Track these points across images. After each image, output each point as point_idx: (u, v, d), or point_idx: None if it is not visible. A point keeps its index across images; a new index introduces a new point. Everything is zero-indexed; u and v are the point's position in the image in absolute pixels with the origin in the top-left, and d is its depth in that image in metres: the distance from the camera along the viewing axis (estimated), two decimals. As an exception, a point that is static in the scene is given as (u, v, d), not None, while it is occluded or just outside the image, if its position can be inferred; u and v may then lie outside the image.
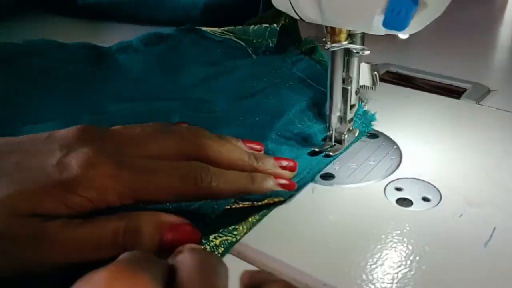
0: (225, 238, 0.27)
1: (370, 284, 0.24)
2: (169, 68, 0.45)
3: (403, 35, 0.28)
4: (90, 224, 0.25)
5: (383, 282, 0.24)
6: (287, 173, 0.31)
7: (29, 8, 0.69)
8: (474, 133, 0.37)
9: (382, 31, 0.27)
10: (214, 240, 0.27)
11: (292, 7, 0.30)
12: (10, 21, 0.64)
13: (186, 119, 0.35)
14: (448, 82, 0.45)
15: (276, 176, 0.30)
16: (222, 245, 0.27)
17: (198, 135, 0.30)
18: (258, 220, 0.29)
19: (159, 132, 0.29)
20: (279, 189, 0.30)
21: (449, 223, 0.28)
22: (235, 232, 0.27)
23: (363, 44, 0.32)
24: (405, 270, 0.25)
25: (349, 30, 0.31)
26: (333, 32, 0.31)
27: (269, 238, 0.28)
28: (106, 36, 0.56)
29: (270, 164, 0.31)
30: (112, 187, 0.26)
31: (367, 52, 0.31)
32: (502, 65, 0.51)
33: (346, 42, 0.31)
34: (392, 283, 0.24)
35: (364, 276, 0.25)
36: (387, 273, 0.25)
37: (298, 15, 0.30)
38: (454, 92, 0.43)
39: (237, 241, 0.27)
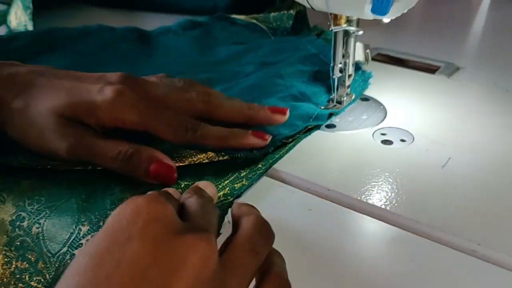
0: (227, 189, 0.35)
1: (365, 189, 0.35)
2: (204, 47, 0.56)
3: (386, 20, 0.39)
4: (109, 141, 0.35)
5: (372, 190, 0.35)
6: (279, 117, 0.39)
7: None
8: (444, 98, 0.48)
9: (371, 16, 0.38)
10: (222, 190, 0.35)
11: (305, -2, 0.41)
12: (50, 11, 0.74)
13: (220, 88, 0.46)
14: (426, 61, 0.56)
15: (270, 120, 0.39)
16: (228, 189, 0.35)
17: (209, 95, 0.39)
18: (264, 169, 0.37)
19: (183, 89, 0.39)
20: (254, 143, 0.37)
21: (418, 155, 0.39)
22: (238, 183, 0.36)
23: (358, 27, 0.43)
24: (388, 184, 0.36)
25: (347, 16, 0.42)
26: (335, 18, 0.41)
27: (292, 162, 0.38)
28: (139, 25, 0.67)
29: (263, 111, 0.39)
30: (129, 114, 0.35)
31: (360, 33, 0.42)
32: (469, 49, 0.62)
33: (345, 25, 0.42)
34: (376, 188, 0.35)
35: (361, 186, 0.36)
36: (375, 185, 0.36)
37: (309, 4, 0.41)
38: (430, 69, 0.55)
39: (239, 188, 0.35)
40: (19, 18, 0.62)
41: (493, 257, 0.30)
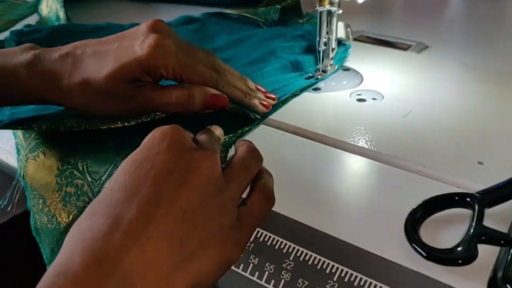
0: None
1: (341, 131, 0.45)
2: (201, 39, 0.66)
3: (360, 1, 0.49)
4: (165, 89, 0.41)
5: (346, 132, 0.45)
6: (270, 100, 0.48)
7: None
8: (411, 69, 0.58)
9: (348, -3, 0.48)
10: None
11: (296, -16, 0.51)
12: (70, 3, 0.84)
13: None
14: (400, 41, 0.66)
15: (261, 100, 0.47)
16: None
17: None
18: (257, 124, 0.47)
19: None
20: (261, 106, 0.46)
21: (385, 109, 0.49)
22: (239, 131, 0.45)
23: (339, 7, 0.52)
24: (359, 128, 0.46)
25: (330, -1, 0.51)
26: (320, 0, 0.51)
27: (284, 114, 0.48)
28: (149, 16, 0.76)
29: (259, 94, 0.47)
30: (171, 61, 0.40)
31: (340, 11, 0.52)
32: (438, 31, 0.72)
33: (328, 6, 0.52)
34: (349, 130, 0.45)
35: (338, 130, 0.45)
36: (349, 129, 0.46)
37: (299, -11, 0.51)
38: (403, 47, 0.64)
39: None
40: (50, 6, 0.71)
41: (434, 175, 0.40)
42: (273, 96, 0.49)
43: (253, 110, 0.47)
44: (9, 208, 0.48)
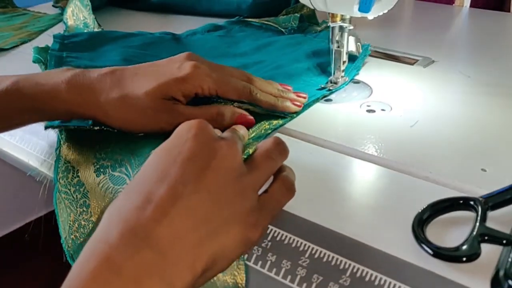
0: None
1: (352, 139, 0.47)
2: (227, 44, 0.69)
3: (370, 17, 0.52)
4: (199, 108, 0.47)
5: (357, 140, 0.48)
6: (301, 99, 0.52)
7: (99, 4, 0.91)
8: (419, 81, 0.61)
9: (358, 14, 0.51)
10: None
11: (310, 1, 0.54)
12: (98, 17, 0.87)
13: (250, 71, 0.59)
14: (407, 55, 0.69)
15: (293, 100, 0.51)
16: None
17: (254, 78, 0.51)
18: (281, 125, 0.51)
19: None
20: (293, 107, 0.50)
21: (394, 120, 0.52)
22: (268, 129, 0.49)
23: (350, 23, 0.55)
24: (369, 137, 0.48)
25: (342, 15, 0.54)
26: (332, 16, 0.54)
27: (298, 124, 0.51)
28: (173, 26, 0.80)
29: (291, 95, 0.52)
30: (207, 81, 0.46)
31: (351, 27, 0.55)
32: (443, 46, 0.75)
33: (340, 22, 0.55)
34: (360, 139, 0.48)
35: (348, 138, 0.48)
36: (359, 137, 0.48)
37: (312, 6, 0.54)
38: (409, 62, 0.67)
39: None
40: (76, 15, 0.75)
41: (440, 181, 0.42)
42: (304, 95, 0.53)
43: (285, 114, 0.50)
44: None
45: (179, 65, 0.46)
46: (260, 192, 0.35)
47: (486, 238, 0.34)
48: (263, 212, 0.34)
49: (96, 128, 0.47)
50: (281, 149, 0.38)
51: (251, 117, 0.48)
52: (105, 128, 0.47)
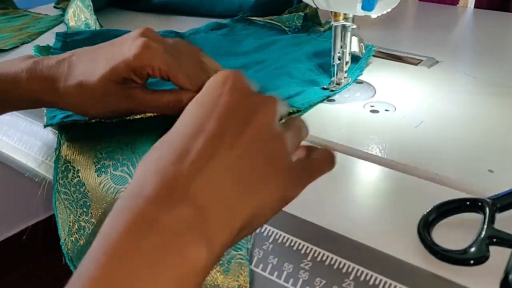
0: None
1: (355, 140, 0.47)
2: (230, 43, 0.69)
3: (373, 15, 0.51)
4: (156, 92, 0.45)
5: (361, 141, 0.47)
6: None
7: (100, 5, 0.89)
8: (423, 81, 0.60)
9: (362, 13, 0.50)
10: None
11: (312, 0, 0.53)
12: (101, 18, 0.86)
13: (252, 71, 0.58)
14: (410, 56, 0.68)
15: None
16: None
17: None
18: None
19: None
20: None
21: (398, 120, 0.51)
22: None
23: (353, 22, 0.55)
24: (372, 137, 0.47)
25: (345, 14, 0.53)
26: (335, 15, 0.53)
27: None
28: (172, 28, 0.79)
29: None
30: (157, 62, 0.43)
31: (354, 26, 0.54)
32: (447, 46, 0.74)
33: (343, 21, 0.54)
34: (363, 139, 0.47)
35: (352, 138, 0.47)
36: (363, 138, 0.47)
37: (315, 5, 0.53)
38: (413, 62, 0.66)
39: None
40: (77, 16, 0.74)
41: (446, 182, 0.41)
42: None
43: None
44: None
45: (130, 42, 0.44)
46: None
47: (494, 240, 0.33)
48: (303, 173, 0.33)
49: (93, 121, 0.47)
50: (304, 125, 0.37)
51: None
52: (103, 120, 0.46)
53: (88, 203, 0.45)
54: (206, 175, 0.28)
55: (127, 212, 0.26)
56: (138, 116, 0.46)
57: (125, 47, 0.44)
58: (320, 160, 0.35)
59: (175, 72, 0.44)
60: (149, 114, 0.47)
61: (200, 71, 0.46)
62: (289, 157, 0.32)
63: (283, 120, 0.36)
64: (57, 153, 0.48)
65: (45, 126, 0.49)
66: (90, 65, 0.44)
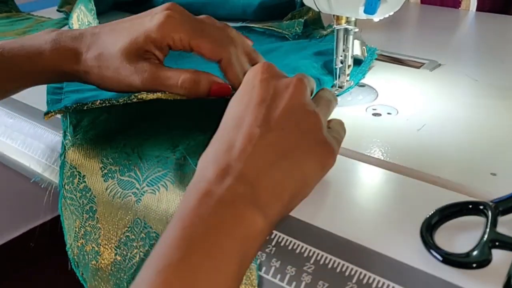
0: None
1: (358, 143, 0.47)
2: None
3: (375, 19, 0.51)
4: (171, 69, 0.43)
5: (363, 144, 0.47)
6: None
7: (103, 9, 0.90)
8: (426, 84, 0.60)
9: (364, 16, 0.50)
10: None
11: (315, 3, 0.53)
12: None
13: None
14: (413, 59, 0.68)
15: None
16: None
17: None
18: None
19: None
20: None
21: (401, 123, 0.51)
22: None
23: (355, 25, 0.55)
24: (375, 141, 0.48)
25: (347, 17, 0.54)
26: (337, 18, 0.53)
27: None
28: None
29: None
30: (178, 31, 0.43)
31: (356, 30, 0.54)
32: (449, 49, 0.74)
33: (345, 24, 0.54)
34: (366, 143, 0.47)
35: (355, 142, 0.47)
36: (366, 141, 0.47)
37: (317, 8, 0.53)
38: (416, 65, 0.66)
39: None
40: (81, 20, 0.74)
41: (448, 185, 0.41)
42: None
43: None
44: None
45: (153, 15, 0.44)
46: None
47: (497, 243, 0.33)
48: (334, 140, 0.38)
49: (97, 105, 0.45)
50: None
51: (229, 87, 0.44)
52: (108, 103, 0.44)
53: (94, 208, 0.45)
54: (252, 157, 0.33)
55: (194, 192, 0.32)
56: (151, 96, 0.43)
57: (147, 19, 0.44)
58: (340, 126, 0.42)
59: (196, 40, 0.43)
60: (162, 96, 0.44)
61: (226, 40, 0.45)
62: (324, 129, 0.37)
63: (314, 94, 0.41)
64: (62, 159, 0.48)
65: (45, 114, 0.47)
66: (112, 37, 0.44)
